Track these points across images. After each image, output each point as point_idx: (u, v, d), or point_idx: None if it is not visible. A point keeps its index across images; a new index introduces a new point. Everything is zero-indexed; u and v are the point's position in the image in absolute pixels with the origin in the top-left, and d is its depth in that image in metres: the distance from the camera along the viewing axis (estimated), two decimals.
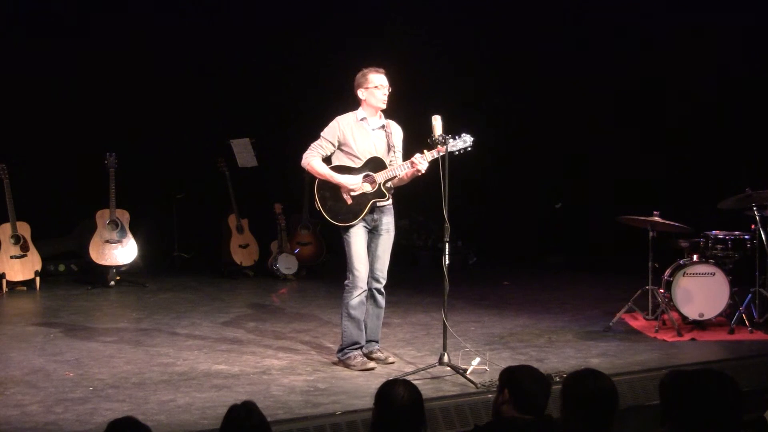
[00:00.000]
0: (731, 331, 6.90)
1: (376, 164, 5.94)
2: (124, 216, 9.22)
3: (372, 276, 5.98)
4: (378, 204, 5.94)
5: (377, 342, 6.13)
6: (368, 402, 4.59)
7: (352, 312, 5.93)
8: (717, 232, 7.30)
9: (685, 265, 7.12)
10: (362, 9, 10.47)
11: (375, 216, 5.96)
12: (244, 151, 10.26)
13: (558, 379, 4.99)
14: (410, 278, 9.35)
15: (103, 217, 9.16)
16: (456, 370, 5.57)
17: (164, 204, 10.42)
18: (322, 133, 6.03)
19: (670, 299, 7.04)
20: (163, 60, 10.23)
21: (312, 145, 6.03)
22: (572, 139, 10.86)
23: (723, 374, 3.09)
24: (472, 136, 5.79)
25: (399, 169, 5.88)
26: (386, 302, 6.11)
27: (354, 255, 5.91)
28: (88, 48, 9.88)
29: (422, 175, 5.82)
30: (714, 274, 7.02)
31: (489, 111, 10.70)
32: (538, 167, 11.16)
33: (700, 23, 9.61)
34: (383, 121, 6.05)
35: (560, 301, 8.39)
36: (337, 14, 10.55)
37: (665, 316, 7.06)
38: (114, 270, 9.23)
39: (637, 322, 7.27)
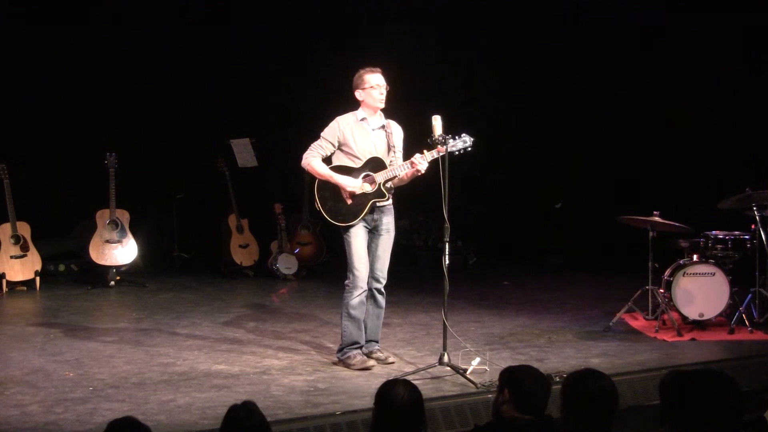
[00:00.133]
0: (731, 331, 6.90)
1: (376, 164, 5.94)
2: (124, 216, 9.22)
3: (372, 276, 5.98)
4: (378, 204, 5.94)
5: (377, 342, 6.13)
6: (368, 402, 4.60)
7: (352, 312, 5.93)
8: (717, 232, 7.30)
9: (685, 265, 7.12)
10: (362, 9, 10.47)
11: (375, 216, 5.96)
12: (244, 151, 10.26)
13: (558, 379, 4.98)
14: (410, 278, 9.36)
15: (103, 217, 9.16)
16: (456, 370, 5.57)
17: (164, 204, 10.43)
18: (322, 134, 6.04)
19: (670, 299, 7.04)
20: (163, 60, 10.23)
21: (312, 145, 6.04)
22: (572, 139, 10.86)
23: (723, 374, 3.09)
24: (472, 136, 5.79)
25: (399, 169, 5.88)
26: (386, 302, 6.11)
27: (354, 255, 5.91)
28: (88, 48, 9.88)
29: (422, 175, 5.82)
30: (714, 274, 7.02)
31: (489, 111, 10.69)
32: (538, 167, 11.16)
33: (700, 23, 9.61)
34: (383, 121, 6.05)
35: (560, 301, 8.39)
36: (337, 14, 10.55)
37: (665, 316, 7.06)
38: (114, 270, 9.23)
39: (637, 322, 7.27)
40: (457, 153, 5.74)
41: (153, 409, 5.03)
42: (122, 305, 8.54)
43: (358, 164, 5.94)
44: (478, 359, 5.68)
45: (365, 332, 6.02)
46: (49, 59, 9.79)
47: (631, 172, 10.22)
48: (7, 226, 8.90)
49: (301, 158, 6.03)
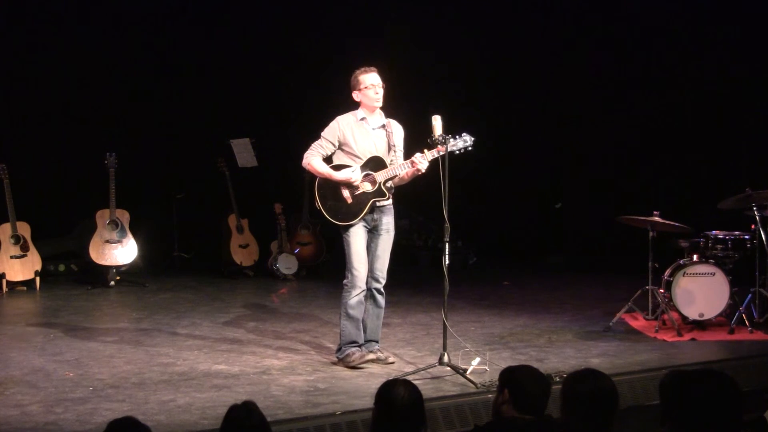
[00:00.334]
0: (731, 331, 6.90)
1: (376, 163, 5.94)
2: (124, 216, 9.22)
3: (372, 276, 5.98)
4: (378, 204, 5.94)
5: (377, 342, 6.12)
6: (368, 402, 4.60)
7: (351, 311, 5.93)
8: (717, 232, 7.30)
9: (685, 265, 7.12)
10: (362, 9, 10.47)
11: (375, 216, 5.96)
12: (244, 151, 10.26)
13: (558, 379, 4.98)
14: (410, 278, 9.35)
15: (103, 217, 9.16)
16: (456, 370, 5.57)
17: (164, 204, 10.43)
18: (322, 133, 6.04)
19: (670, 299, 7.04)
20: (163, 60, 10.23)
21: (312, 145, 6.04)
22: (572, 139, 10.86)
23: (723, 374, 3.09)
24: (473, 136, 5.79)
25: (399, 168, 5.88)
26: (386, 302, 6.10)
27: (353, 254, 5.91)
28: (88, 47, 9.88)
29: (422, 174, 5.82)
30: (714, 274, 7.02)
31: (489, 111, 10.69)
32: (538, 167, 11.16)
33: (700, 22, 9.61)
34: (384, 120, 6.05)
35: (560, 301, 8.39)
36: (337, 14, 10.55)
37: (665, 316, 7.06)
38: (114, 270, 9.23)
39: (637, 322, 7.27)
40: (457, 152, 5.74)
41: (153, 409, 5.03)
42: (122, 305, 8.55)
43: (358, 164, 5.94)
44: (478, 359, 5.68)
45: (365, 332, 6.02)
46: (49, 59, 9.79)
47: (631, 172, 10.22)
48: (7, 226, 8.90)
49: (301, 158, 6.04)
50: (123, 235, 9.19)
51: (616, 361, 6.08)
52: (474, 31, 10.75)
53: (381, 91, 5.96)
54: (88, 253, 9.10)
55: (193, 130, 10.40)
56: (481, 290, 9.01)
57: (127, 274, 9.46)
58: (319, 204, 5.97)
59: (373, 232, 5.99)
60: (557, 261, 10.81)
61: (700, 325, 7.04)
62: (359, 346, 5.98)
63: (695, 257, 7.19)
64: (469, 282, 9.46)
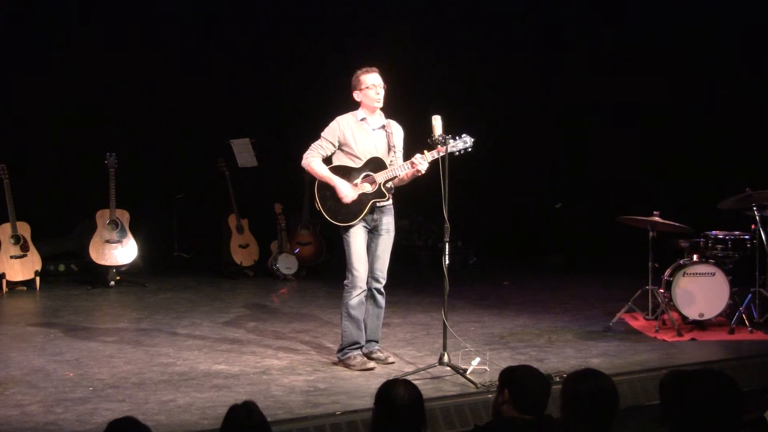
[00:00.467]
0: (731, 331, 6.90)
1: (376, 164, 5.94)
2: (124, 216, 9.22)
3: (372, 276, 5.98)
4: (378, 204, 5.94)
5: (377, 342, 6.13)
6: (368, 402, 4.60)
7: (352, 312, 5.93)
8: (717, 232, 7.30)
9: (685, 265, 7.12)
10: (362, 9, 10.47)
11: (375, 216, 5.96)
12: (244, 151, 10.26)
13: (558, 379, 4.99)
14: (410, 278, 9.35)
15: (103, 217, 9.16)
16: (456, 370, 5.57)
17: (164, 204, 10.42)
18: (322, 134, 6.04)
19: (670, 299, 7.04)
20: (163, 60, 10.23)
21: (312, 145, 6.04)
22: (572, 139, 10.85)
23: (723, 374, 3.09)
24: (472, 136, 5.79)
25: (399, 169, 5.88)
26: (386, 302, 6.11)
27: (353, 255, 5.91)
28: (88, 47, 9.88)
29: (422, 175, 5.82)
30: (714, 274, 7.02)
31: (489, 111, 10.69)
32: (538, 167, 11.15)
33: (700, 22, 9.61)
34: (384, 120, 6.05)
35: (560, 301, 8.39)
36: (337, 14, 10.55)
37: (665, 316, 7.06)
38: (114, 270, 9.23)
39: (637, 322, 7.27)
40: (457, 153, 5.74)
41: (153, 409, 5.03)
42: (122, 305, 8.54)
43: (358, 164, 5.94)
44: (478, 359, 5.69)
45: (365, 332, 6.02)
46: (49, 59, 9.79)
47: (631, 172, 10.21)
48: (7, 226, 8.90)
49: (301, 158, 6.04)
50: (123, 235, 9.19)
51: (616, 361, 6.08)
52: (474, 31, 10.75)
53: (382, 92, 5.96)
54: (88, 253, 9.10)
55: (193, 130, 10.40)
56: (481, 290, 9.01)
57: (127, 274, 9.46)
58: (319, 205, 5.97)
59: (373, 232, 5.99)
60: (557, 261, 10.81)
61: (700, 325, 7.04)
62: (361, 347, 5.98)
63: (695, 257, 7.19)
64: (469, 282, 9.46)
